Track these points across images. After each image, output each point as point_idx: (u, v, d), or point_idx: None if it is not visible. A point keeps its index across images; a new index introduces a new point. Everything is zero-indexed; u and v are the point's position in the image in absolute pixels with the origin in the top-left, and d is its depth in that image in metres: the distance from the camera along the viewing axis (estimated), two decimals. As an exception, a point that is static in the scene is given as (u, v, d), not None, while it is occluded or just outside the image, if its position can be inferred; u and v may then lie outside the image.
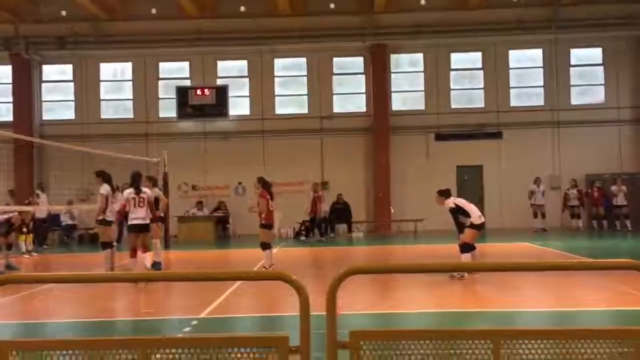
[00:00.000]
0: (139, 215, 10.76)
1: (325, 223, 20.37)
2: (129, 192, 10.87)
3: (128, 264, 10.88)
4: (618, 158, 22.20)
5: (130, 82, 23.29)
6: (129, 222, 10.93)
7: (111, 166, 13.67)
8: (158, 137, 22.06)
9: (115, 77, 23.62)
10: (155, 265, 11.64)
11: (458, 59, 22.98)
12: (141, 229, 10.82)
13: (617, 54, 22.50)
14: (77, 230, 21.02)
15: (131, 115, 23.13)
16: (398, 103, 22.92)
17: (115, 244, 12.53)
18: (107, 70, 23.52)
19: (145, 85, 23.00)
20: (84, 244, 20.42)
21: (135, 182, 11.04)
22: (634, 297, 8.12)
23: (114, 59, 23.22)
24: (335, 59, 23.06)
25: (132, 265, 10.67)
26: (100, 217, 11.60)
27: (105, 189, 11.56)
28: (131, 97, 23.24)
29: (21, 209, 14.51)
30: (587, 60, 22.92)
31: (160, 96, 23.11)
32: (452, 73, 22.88)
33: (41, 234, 18.40)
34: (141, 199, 10.82)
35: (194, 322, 7.30)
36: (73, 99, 23.24)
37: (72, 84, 23.30)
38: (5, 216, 13.33)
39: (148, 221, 10.95)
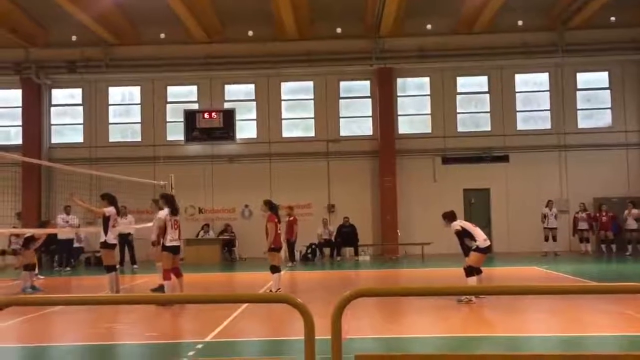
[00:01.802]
0: (175, 237, 10.97)
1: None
2: (166, 213, 10.95)
3: (165, 286, 10.84)
4: (626, 181, 22.10)
5: (139, 106, 23.50)
6: (167, 244, 10.93)
7: (119, 189, 13.76)
8: (165, 160, 22.18)
9: (124, 100, 23.83)
10: (161, 288, 11.62)
11: (464, 83, 23.08)
12: (177, 251, 11.09)
13: (623, 78, 22.54)
14: (84, 253, 21.05)
15: (139, 139, 23.28)
16: (404, 126, 22.97)
17: (118, 266, 12.54)
18: (116, 93, 23.75)
19: (153, 109, 23.20)
20: (90, 266, 20.41)
21: (171, 203, 11.19)
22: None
23: (122, 82, 23.47)
24: (341, 83, 23.21)
25: (168, 289, 10.67)
26: (103, 240, 11.63)
27: (110, 211, 11.62)
28: (139, 121, 23.41)
29: (46, 231, 14.59)
30: (593, 83, 22.96)
31: (168, 119, 23.27)
32: (458, 97, 22.95)
33: (67, 254, 19.14)
34: (176, 221, 11.05)
35: (199, 346, 7.26)
36: (82, 122, 23.44)
37: (81, 107, 23.53)
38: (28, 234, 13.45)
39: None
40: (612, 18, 21.55)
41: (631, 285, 3.69)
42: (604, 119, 22.80)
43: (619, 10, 21.23)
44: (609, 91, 22.76)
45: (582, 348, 6.98)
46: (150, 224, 13.71)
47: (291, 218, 19.34)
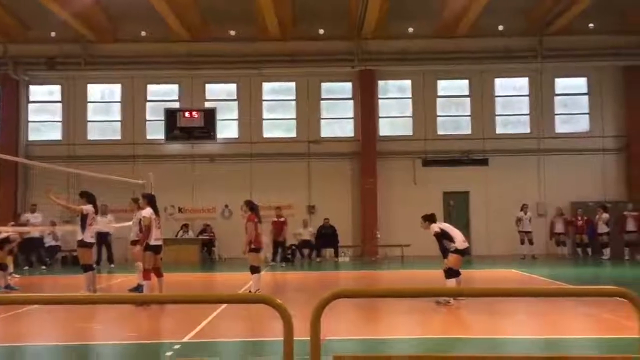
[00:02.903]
0: (159, 236, 10.97)
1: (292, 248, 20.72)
2: (151, 212, 10.87)
3: (144, 286, 10.74)
4: (602, 186, 22.43)
5: (119, 104, 23.28)
6: (151, 243, 10.85)
7: (97, 187, 13.60)
8: (145, 159, 21.99)
9: (104, 98, 23.58)
10: (139, 287, 11.51)
11: (445, 86, 23.24)
12: (160, 251, 11.08)
13: (601, 84, 22.88)
14: (60, 252, 20.77)
15: (118, 137, 23.05)
16: (385, 128, 23.06)
17: (95, 266, 12.40)
18: (95, 91, 23.49)
19: (133, 107, 22.98)
20: (67, 265, 20.15)
21: (153, 203, 11.14)
22: (617, 324, 8.13)
23: (102, 80, 23.23)
24: (323, 84, 23.22)
25: (147, 288, 10.59)
26: (80, 238, 11.50)
27: (88, 209, 11.50)
28: (119, 119, 23.19)
29: (20, 229, 14.37)
30: (571, 89, 23.27)
31: (148, 118, 23.08)
32: (439, 100, 23.11)
33: (37, 254, 19.01)
34: (159, 221, 11.02)
35: (177, 347, 7.20)
36: (60, 119, 23.14)
37: (59, 104, 23.22)
38: (2, 235, 13.20)
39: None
40: (591, 25, 21.87)
41: (605, 288, 3.75)
42: (582, 125, 23.12)
43: (598, 17, 21.55)
44: (586, 97, 23.08)
45: (559, 350, 7.07)
46: (129, 223, 13.59)
47: (282, 219, 19.57)
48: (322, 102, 23.21)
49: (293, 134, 23.05)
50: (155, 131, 22.78)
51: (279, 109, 23.47)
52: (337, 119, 23.31)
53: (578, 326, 8.66)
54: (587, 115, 23.04)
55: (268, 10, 19.71)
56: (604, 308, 9.07)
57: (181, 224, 21.84)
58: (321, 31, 22.47)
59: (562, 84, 23.18)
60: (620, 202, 21.37)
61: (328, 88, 23.33)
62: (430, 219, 10.77)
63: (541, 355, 4.44)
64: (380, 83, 23.10)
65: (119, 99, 23.29)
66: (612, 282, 13.47)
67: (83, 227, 11.54)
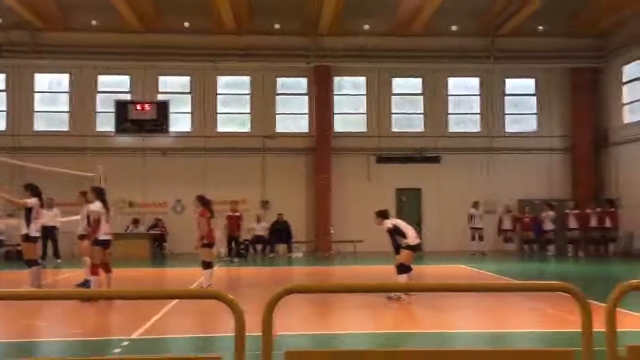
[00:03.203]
0: (108, 231, 10.76)
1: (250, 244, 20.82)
2: (100, 206, 10.58)
3: (91, 281, 10.46)
4: (548, 184, 23.14)
5: (67, 94, 22.61)
6: (100, 238, 10.60)
7: (43, 180, 13.19)
8: (94, 151, 21.45)
9: (51, 88, 22.88)
10: (86, 283, 11.23)
11: (399, 84, 23.50)
12: (109, 246, 10.86)
13: (548, 85, 23.57)
14: (4, 246, 20.04)
15: (66, 128, 22.40)
16: (340, 125, 23.17)
17: (40, 261, 12.04)
18: (43, 81, 22.75)
19: (82, 98, 22.37)
20: (11, 260, 19.46)
21: (103, 197, 10.86)
22: (561, 318, 8.40)
23: (50, 69, 22.51)
24: (279, 79, 23.14)
25: (94, 284, 10.32)
26: (24, 233, 11.15)
27: (32, 202, 11.15)
28: (67, 110, 22.53)
29: None
30: (520, 89, 23.91)
31: (98, 109, 22.51)
32: (393, 97, 23.35)
33: None
34: (108, 215, 10.79)
35: (125, 343, 7.04)
36: (5, 109, 22.31)
37: (3, 93, 22.39)
38: None
39: None
40: (540, 27, 22.49)
41: (550, 283, 3.85)
42: (530, 124, 23.78)
43: (547, 20, 22.17)
44: (535, 97, 23.75)
45: (505, 344, 7.25)
46: (76, 217, 13.23)
47: (237, 214, 19.40)
48: (277, 97, 23.12)
49: (247, 129, 22.90)
50: (105, 123, 22.25)
51: (233, 103, 23.26)
52: (292, 115, 23.28)
53: (523, 320, 8.91)
54: (535, 116, 23.71)
55: (223, 3, 19.49)
56: (548, 303, 9.36)
57: (131, 218, 21.40)
58: (277, 26, 22.36)
59: (512, 84, 23.79)
60: (564, 201, 22.10)
61: (283, 83, 23.26)
62: (383, 215, 10.88)
63: (487, 349, 4.54)
64: (336, 79, 23.19)
65: (67, 89, 22.62)
66: (556, 277, 13.91)
67: (28, 221, 11.17)
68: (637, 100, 21.24)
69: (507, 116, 23.61)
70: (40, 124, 22.43)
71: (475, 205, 21.19)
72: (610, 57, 22.42)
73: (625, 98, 21.96)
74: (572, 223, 20.73)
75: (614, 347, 3.18)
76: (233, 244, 19.60)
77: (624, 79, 21.99)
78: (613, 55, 22.21)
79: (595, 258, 19.54)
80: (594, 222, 20.31)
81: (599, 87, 23.15)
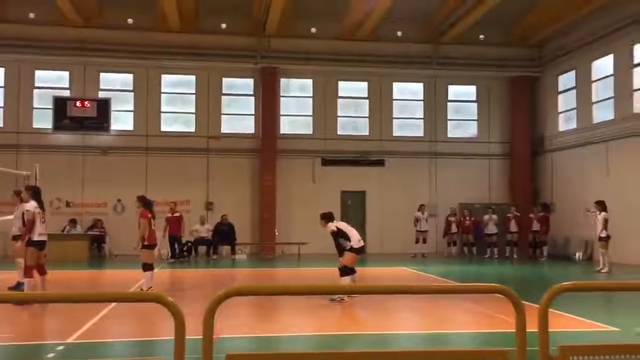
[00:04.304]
0: (44, 232, 10.38)
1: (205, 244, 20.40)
2: (35, 206, 10.16)
3: (25, 284, 10.04)
4: (488, 189, 23.82)
5: (2, 89, 21.70)
6: (34, 239, 10.18)
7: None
8: (30, 148, 20.63)
9: (-16, 82, 21.90)
10: (19, 285, 10.80)
11: (345, 87, 23.69)
12: (44, 247, 10.47)
13: (489, 92, 24.28)
14: None
15: (0, 124, 21.50)
16: (286, 126, 23.15)
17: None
18: (-25, 74, 21.75)
19: (18, 93, 21.51)
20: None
21: (38, 196, 10.50)
22: (497, 319, 8.65)
23: (-17, 62, 21.56)
24: (225, 79, 22.92)
25: (28, 287, 9.92)
26: None
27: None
28: (1, 105, 21.63)
29: None
30: (462, 96, 24.52)
31: (35, 106, 21.70)
32: (339, 100, 23.52)
33: None
34: (44, 215, 10.39)
35: (60, 348, 6.81)
36: None
37: None
38: None
39: None
40: (482, 36, 23.14)
41: (485, 285, 3.96)
42: (471, 130, 24.43)
43: (488, 29, 22.83)
44: (475, 104, 24.41)
45: (442, 344, 7.41)
46: (9, 217, 12.70)
47: (177, 214, 19.15)
48: (222, 97, 22.90)
49: (192, 129, 22.58)
50: (43, 120, 21.47)
51: (177, 102, 22.89)
52: (238, 115, 23.11)
53: (461, 321, 9.13)
54: (476, 122, 24.37)
55: (169, 0, 19.14)
56: (485, 304, 9.62)
57: (68, 218, 20.73)
58: (223, 25, 22.15)
59: (454, 91, 24.37)
60: (503, 205, 22.79)
61: (229, 83, 23.06)
62: (327, 217, 10.93)
63: (425, 350, 4.63)
64: (283, 81, 23.16)
65: (2, 84, 21.71)
66: (495, 279, 14.33)
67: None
68: (572, 109, 22.13)
69: (449, 122, 24.16)
70: (-29, 120, 21.44)
71: (421, 208, 21.57)
72: (547, 67, 23.31)
73: (561, 107, 22.86)
74: (513, 226, 21.39)
75: (546, 346, 3.30)
76: (176, 245, 19.28)
77: (560, 89, 22.89)
78: (550, 65, 23.10)
79: (530, 261, 20.20)
80: (536, 226, 20.94)
81: (536, 96, 24.02)
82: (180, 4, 19.83)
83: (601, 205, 16.00)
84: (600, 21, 19.81)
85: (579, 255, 15.82)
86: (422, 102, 24.00)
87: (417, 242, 21.38)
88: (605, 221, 15.78)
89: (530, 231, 21.08)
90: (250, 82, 23.02)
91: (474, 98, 24.43)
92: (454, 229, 21.97)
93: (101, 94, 21.95)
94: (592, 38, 20.30)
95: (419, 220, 21.46)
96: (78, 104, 21.21)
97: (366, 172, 23.02)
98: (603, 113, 20.41)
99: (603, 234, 15.82)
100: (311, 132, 23.15)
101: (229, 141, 22.31)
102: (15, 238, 11.28)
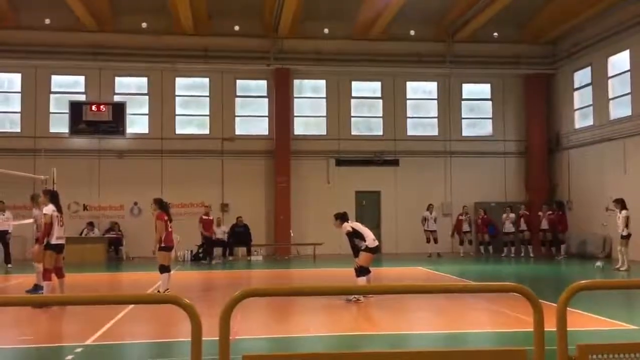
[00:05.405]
0: (62, 235, 10.46)
1: (223, 246, 20.72)
2: (53, 209, 10.28)
3: (44, 287, 10.16)
4: (503, 187, 23.66)
5: (19, 94, 21.97)
6: (53, 242, 10.27)
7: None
8: (47, 153, 20.86)
9: (2, 88, 22.19)
10: (36, 289, 10.92)
11: (359, 87, 23.66)
12: (62, 250, 10.53)
13: (503, 90, 24.11)
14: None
15: (18, 129, 21.77)
16: (300, 127, 23.17)
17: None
18: (-7, 80, 22.04)
19: (35, 98, 21.76)
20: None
21: (56, 200, 10.58)
22: (515, 319, 8.59)
23: (1, 69, 21.81)
24: (238, 81, 23.01)
25: (47, 289, 10.05)
26: None
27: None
28: (19, 110, 21.89)
29: None
30: (476, 94, 24.36)
31: (51, 110, 21.94)
32: (352, 100, 23.49)
33: None
34: (62, 218, 10.49)
35: (78, 350, 6.88)
36: (-48, 109, 21.53)
37: (-49, 92, 21.60)
38: None
39: None
40: (495, 34, 23.00)
41: (502, 284, 3.94)
42: (486, 129, 24.28)
43: (501, 26, 22.69)
44: (490, 102, 24.25)
45: (461, 344, 7.37)
46: (28, 221, 12.87)
47: (210, 217, 19.84)
48: (236, 99, 22.98)
49: (206, 131, 22.69)
50: (59, 124, 21.70)
51: (192, 105, 23.01)
52: (252, 117, 23.17)
53: (479, 321, 9.07)
54: (490, 120, 24.21)
55: (182, 4, 19.27)
56: (503, 303, 9.55)
57: (86, 221, 20.94)
58: (236, 27, 22.23)
59: (469, 89, 24.23)
60: (519, 203, 22.62)
61: (243, 85, 23.14)
62: (342, 217, 10.93)
63: (443, 350, 4.61)
64: (296, 82, 23.19)
65: (19, 90, 21.98)
66: (513, 278, 14.21)
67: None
68: (588, 106, 21.91)
69: (463, 120, 24.03)
70: (-10, 125, 21.73)
71: (429, 208, 21.47)
72: (562, 64, 23.09)
73: (577, 103, 22.64)
74: (522, 225, 21.26)
75: (565, 345, 3.27)
76: (204, 246, 19.84)
77: (576, 85, 22.67)
78: (565, 62, 22.87)
79: (547, 259, 20.01)
80: (544, 225, 20.80)
81: (551, 93, 23.81)
82: (193, 7, 19.94)
83: (620, 203, 15.82)
84: (615, 16, 19.60)
85: (600, 264, 15.62)
86: (436, 101, 23.90)
87: (427, 241, 21.24)
88: (627, 219, 15.59)
89: (539, 230, 20.91)
90: (263, 83, 23.08)
91: (489, 96, 24.27)
92: (465, 227, 21.83)
93: (116, 98, 22.14)
94: (608, 34, 20.08)
95: (426, 219, 21.34)
96: (94, 108, 21.42)
97: (381, 172, 22.97)
98: (620, 109, 20.19)
99: (624, 232, 15.63)
100: (325, 133, 23.16)
101: (243, 143, 22.39)
102: (39, 241, 11.42)
